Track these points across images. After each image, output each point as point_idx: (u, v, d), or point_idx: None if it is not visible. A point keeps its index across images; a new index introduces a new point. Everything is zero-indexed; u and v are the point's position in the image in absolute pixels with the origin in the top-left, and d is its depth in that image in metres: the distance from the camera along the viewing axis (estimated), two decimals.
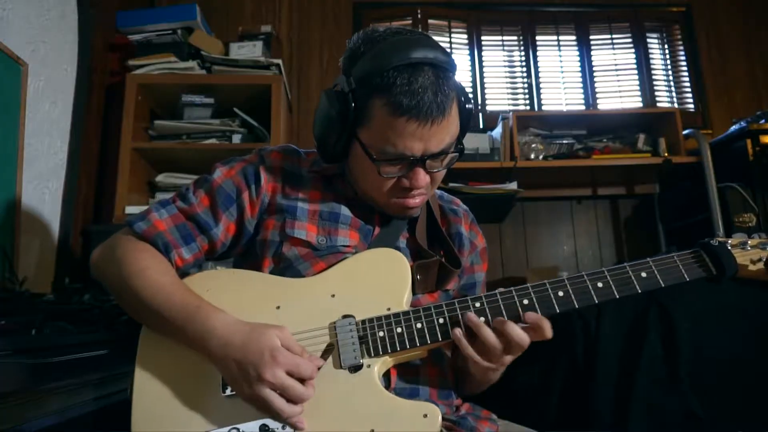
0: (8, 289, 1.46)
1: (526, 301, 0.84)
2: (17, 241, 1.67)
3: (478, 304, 0.84)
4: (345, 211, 0.96)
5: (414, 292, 0.91)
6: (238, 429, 0.77)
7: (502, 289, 0.86)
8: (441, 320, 0.84)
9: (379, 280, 0.88)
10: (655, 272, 0.85)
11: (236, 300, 0.85)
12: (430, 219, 1.02)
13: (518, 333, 0.80)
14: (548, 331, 0.82)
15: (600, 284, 0.84)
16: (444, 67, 0.83)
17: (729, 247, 0.86)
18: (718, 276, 0.85)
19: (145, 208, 0.97)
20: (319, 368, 0.79)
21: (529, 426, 0.99)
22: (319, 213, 0.95)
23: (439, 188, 1.11)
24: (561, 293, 0.84)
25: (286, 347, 0.76)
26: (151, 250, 0.89)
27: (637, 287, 0.85)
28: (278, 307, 0.86)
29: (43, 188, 1.85)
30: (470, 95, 0.90)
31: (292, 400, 0.74)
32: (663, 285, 0.85)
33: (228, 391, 0.79)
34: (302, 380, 0.75)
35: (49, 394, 0.84)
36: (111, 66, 2.41)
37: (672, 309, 1.44)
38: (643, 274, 0.85)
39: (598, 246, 2.71)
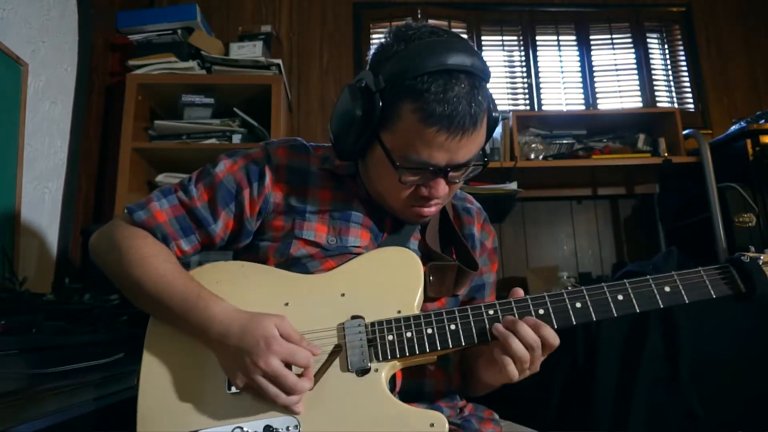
0: (8, 289, 1.46)
1: (541, 311, 0.80)
2: (17, 241, 1.67)
3: (491, 312, 0.81)
4: (357, 210, 0.94)
5: (426, 294, 0.87)
6: (242, 428, 0.76)
7: (519, 297, 0.82)
8: (453, 327, 0.80)
9: (390, 280, 0.86)
10: (680, 287, 0.81)
11: (245, 294, 0.84)
12: (443, 220, 0.98)
13: (550, 333, 0.77)
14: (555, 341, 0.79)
15: (620, 297, 0.80)
16: (480, 76, 0.80)
17: (761, 264, 0.81)
18: (748, 294, 0.81)
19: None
20: (326, 368, 0.78)
21: (529, 426, 0.98)
22: (330, 212, 0.92)
23: None
24: (579, 304, 0.80)
25: (284, 336, 0.75)
26: (150, 238, 0.88)
27: (660, 302, 0.80)
28: (287, 304, 0.84)
29: (43, 188, 1.85)
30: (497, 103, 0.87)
31: (284, 390, 0.73)
32: (687, 301, 0.80)
33: (233, 389, 0.78)
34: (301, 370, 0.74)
35: (49, 394, 0.84)
36: (111, 66, 2.41)
37: (673, 308, 1.45)
38: (667, 289, 0.81)
39: (598, 246, 2.71)
